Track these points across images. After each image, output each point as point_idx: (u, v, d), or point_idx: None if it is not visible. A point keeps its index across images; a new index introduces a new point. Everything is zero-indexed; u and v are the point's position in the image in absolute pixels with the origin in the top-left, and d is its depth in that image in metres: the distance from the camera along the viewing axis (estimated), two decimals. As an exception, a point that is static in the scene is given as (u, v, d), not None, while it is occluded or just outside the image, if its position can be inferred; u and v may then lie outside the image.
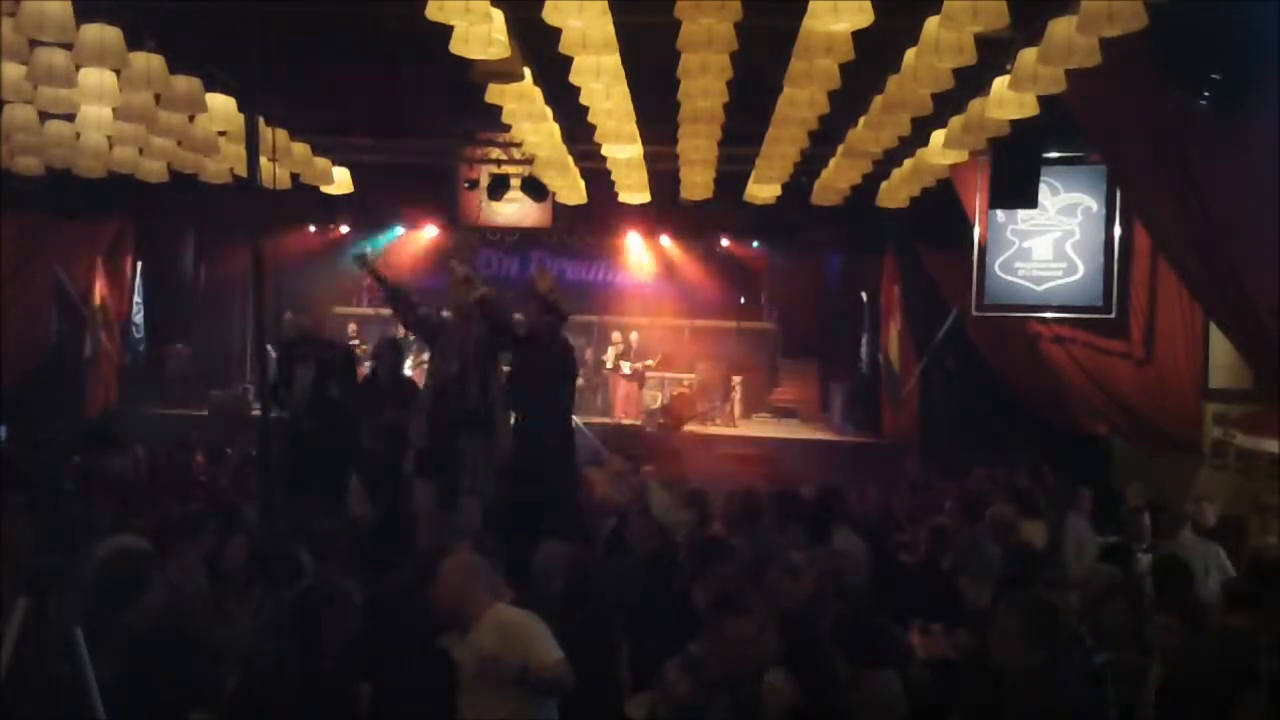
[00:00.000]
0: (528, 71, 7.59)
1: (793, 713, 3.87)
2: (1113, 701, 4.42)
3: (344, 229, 15.48)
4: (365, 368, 9.85)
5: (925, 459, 11.45)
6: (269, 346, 7.02)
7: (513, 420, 7.21)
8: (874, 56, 6.63)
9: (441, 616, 4.16)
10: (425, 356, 10.39)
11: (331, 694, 3.89)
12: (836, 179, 10.31)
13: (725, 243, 16.24)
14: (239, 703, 3.82)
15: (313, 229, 15.48)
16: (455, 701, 4.00)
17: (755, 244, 16.24)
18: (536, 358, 7.12)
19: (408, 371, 11.23)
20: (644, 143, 9.24)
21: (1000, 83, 6.80)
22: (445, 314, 7.38)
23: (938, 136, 8.46)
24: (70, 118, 8.02)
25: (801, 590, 5.05)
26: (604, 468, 8.28)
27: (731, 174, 10.89)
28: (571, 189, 11.50)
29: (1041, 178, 9.20)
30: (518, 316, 7.36)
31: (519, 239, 15.76)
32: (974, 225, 10.54)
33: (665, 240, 16.38)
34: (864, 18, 5.58)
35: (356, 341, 14.35)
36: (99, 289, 13.32)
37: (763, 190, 11.02)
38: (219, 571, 5.09)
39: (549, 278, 7.44)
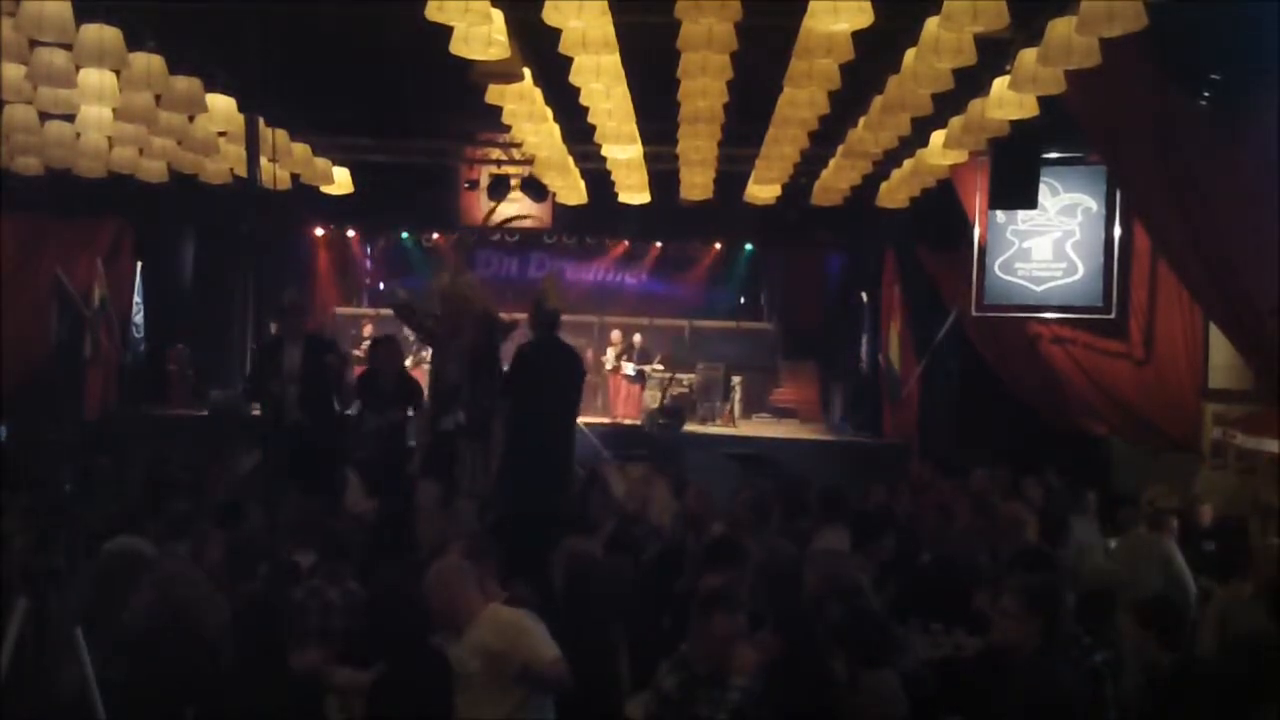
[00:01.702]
0: (528, 71, 7.59)
1: (769, 688, 3.89)
2: (1112, 700, 4.41)
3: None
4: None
5: (925, 459, 11.44)
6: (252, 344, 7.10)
7: (512, 423, 7.24)
8: (874, 56, 6.63)
9: (437, 618, 4.17)
10: (426, 355, 10.40)
11: (304, 690, 3.91)
12: (836, 179, 10.31)
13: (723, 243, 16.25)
14: (225, 697, 3.84)
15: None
16: (454, 700, 4.01)
17: (754, 245, 16.23)
18: (538, 362, 7.15)
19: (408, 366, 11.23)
20: (644, 143, 9.25)
21: (1000, 83, 6.80)
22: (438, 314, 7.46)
23: (938, 136, 8.46)
24: (70, 118, 8.02)
25: (802, 591, 5.04)
26: (626, 473, 8.28)
27: (731, 174, 10.89)
28: (571, 189, 11.50)
29: (1041, 178, 9.20)
30: (513, 317, 7.42)
31: (519, 239, 15.76)
32: (974, 225, 10.54)
33: (665, 240, 16.37)
34: (864, 18, 5.58)
35: (368, 341, 14.34)
36: (99, 289, 13.30)
37: (763, 190, 11.01)
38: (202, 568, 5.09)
39: (549, 288, 7.49)
